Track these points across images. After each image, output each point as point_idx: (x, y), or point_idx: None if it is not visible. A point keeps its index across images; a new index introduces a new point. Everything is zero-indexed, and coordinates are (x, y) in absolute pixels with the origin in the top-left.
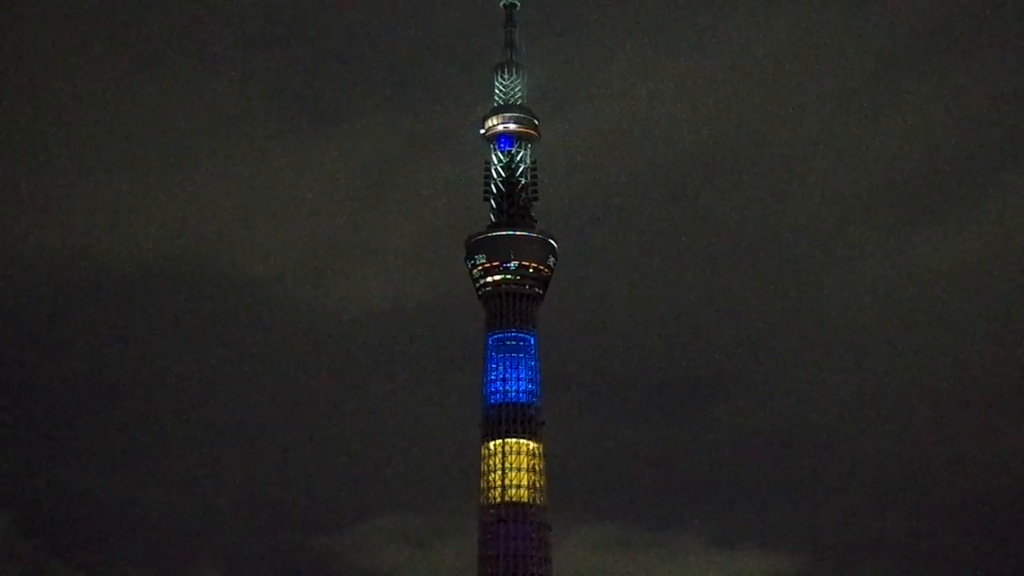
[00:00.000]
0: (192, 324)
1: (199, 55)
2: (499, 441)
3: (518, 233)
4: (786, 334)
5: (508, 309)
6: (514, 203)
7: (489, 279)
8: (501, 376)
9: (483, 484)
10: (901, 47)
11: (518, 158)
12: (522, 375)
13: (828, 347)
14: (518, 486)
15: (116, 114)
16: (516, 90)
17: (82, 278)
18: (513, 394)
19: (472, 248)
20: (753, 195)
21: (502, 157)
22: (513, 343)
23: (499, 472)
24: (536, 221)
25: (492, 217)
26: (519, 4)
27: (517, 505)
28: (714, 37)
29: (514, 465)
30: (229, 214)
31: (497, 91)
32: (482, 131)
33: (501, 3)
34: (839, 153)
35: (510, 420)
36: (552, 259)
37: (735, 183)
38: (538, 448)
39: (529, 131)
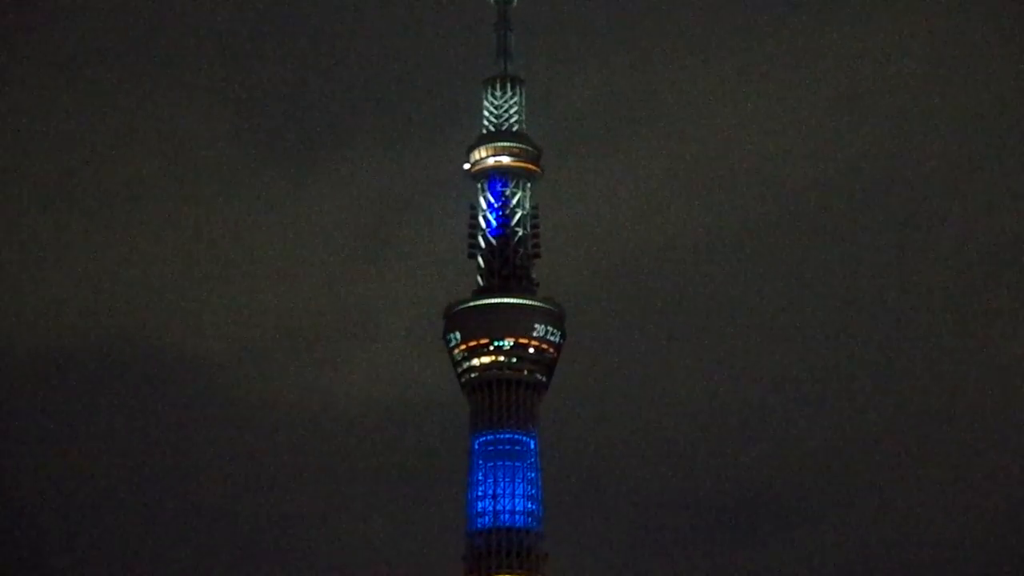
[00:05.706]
0: (127, 412)
1: (145, 80)
2: None
3: (513, 301)
4: (869, 440)
5: (500, 402)
6: (508, 261)
7: (475, 362)
8: (491, 492)
9: None
10: None
11: (514, 202)
12: (518, 491)
13: (930, 459)
14: None
15: (41, 152)
16: (512, 112)
17: None
18: (506, 516)
19: (452, 321)
20: (846, 255)
21: (493, 200)
22: (507, 448)
23: None
24: (538, 285)
25: (480, 280)
26: (515, 1)
27: None
28: (812, 42)
29: None
30: (175, 279)
31: (487, 114)
32: (467, 166)
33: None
34: (980, 198)
35: (502, 551)
36: (559, 336)
37: (823, 239)
38: None
39: (528, 166)
